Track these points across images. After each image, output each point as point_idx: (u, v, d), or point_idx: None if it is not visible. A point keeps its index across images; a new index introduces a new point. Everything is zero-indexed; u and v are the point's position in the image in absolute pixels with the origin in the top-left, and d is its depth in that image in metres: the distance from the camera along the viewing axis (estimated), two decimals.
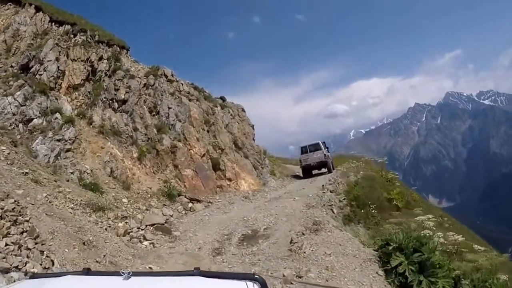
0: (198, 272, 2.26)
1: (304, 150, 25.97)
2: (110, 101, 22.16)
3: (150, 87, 23.15)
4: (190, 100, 23.58)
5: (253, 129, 27.24)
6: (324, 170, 25.97)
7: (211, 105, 24.77)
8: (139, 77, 23.33)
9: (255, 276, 2.14)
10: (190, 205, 16.37)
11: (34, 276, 2.80)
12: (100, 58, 24.34)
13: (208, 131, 22.51)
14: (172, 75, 24.60)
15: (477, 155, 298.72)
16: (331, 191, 16.74)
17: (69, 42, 24.15)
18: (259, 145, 26.28)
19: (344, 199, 15.76)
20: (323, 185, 18.88)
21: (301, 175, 26.91)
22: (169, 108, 22.22)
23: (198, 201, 16.93)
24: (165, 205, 16.02)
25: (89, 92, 23.80)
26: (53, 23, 25.02)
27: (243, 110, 27.52)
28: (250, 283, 2.08)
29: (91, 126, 19.50)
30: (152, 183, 17.94)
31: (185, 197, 16.90)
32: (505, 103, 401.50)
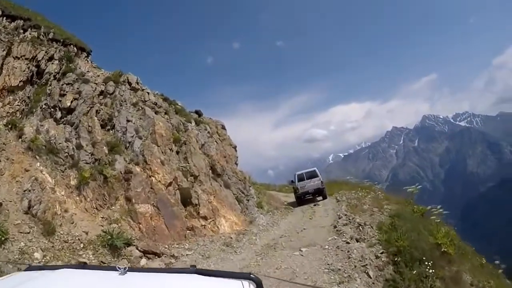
0: (194, 270, 2.25)
1: (301, 177, 24.98)
2: (52, 109, 17.25)
3: (108, 95, 18.21)
4: (156, 112, 18.42)
5: (236, 150, 21.93)
6: (317, 196, 25.07)
7: (183, 120, 19.50)
8: (95, 83, 18.32)
9: (251, 275, 2.12)
10: (142, 262, 10.90)
11: (30, 268, 2.73)
12: (51, 58, 19.61)
13: (177, 152, 17.20)
14: (137, 83, 19.53)
15: (455, 176, 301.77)
16: (357, 240, 11.44)
17: (16, 37, 19.60)
18: (242, 170, 20.90)
19: (382, 252, 10.46)
20: (335, 226, 13.83)
21: (288, 201, 26.42)
22: (128, 121, 17.11)
23: (156, 254, 11.43)
24: (104, 262, 10.59)
25: (28, 97, 18.92)
26: (5, 18, 20.64)
27: (223, 127, 22.18)
28: (246, 282, 2.05)
29: (20, 140, 14.64)
30: (91, 224, 12.51)
31: (137, 248, 11.41)
32: (481, 124, 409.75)
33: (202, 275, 2.17)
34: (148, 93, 19.54)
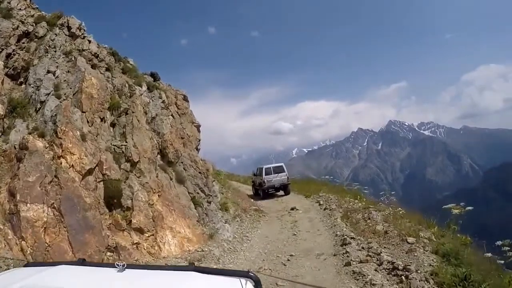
0: (192, 267, 2.22)
1: (268, 171, 25.35)
2: None
3: (35, 38, 12.73)
4: (94, 66, 12.88)
5: (199, 131, 16.28)
6: (281, 192, 25.71)
7: (130, 82, 13.88)
8: (21, 21, 12.73)
9: (250, 273, 2.09)
10: None
11: (28, 264, 2.72)
12: None
13: (113, 125, 11.66)
14: (79, 29, 13.93)
15: (414, 182, 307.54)
16: None
17: None
18: (205, 159, 15.29)
19: None
20: (348, 263, 8.65)
21: (253, 194, 26.79)
22: (48, 72, 11.52)
23: None
24: None
25: None
26: None
27: (185, 98, 16.32)
28: (244, 280, 2.02)
29: None
30: None
31: None
32: (444, 135, 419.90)
33: (201, 272, 2.13)
34: (89, 41, 13.92)
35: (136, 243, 9.13)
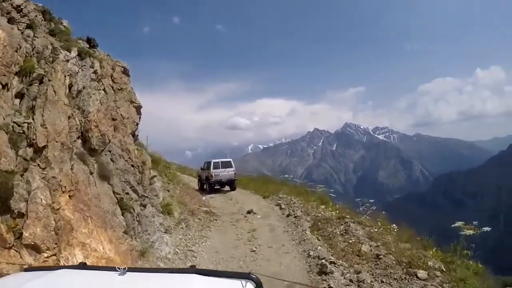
0: (193, 270, 2.20)
1: (216, 165, 25.56)
2: None
3: None
4: (11, 21, 9.83)
5: (139, 113, 12.94)
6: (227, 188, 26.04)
7: (56, 45, 10.76)
8: None
9: (251, 275, 2.07)
10: None
11: (28, 268, 2.67)
12: None
13: (21, 96, 8.56)
14: None
15: (366, 183, 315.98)
16: None
17: None
18: (142, 149, 12.22)
19: None
20: None
21: (198, 188, 26.31)
22: None
23: None
24: None
25: None
26: None
27: (125, 71, 13.08)
28: (244, 282, 2.01)
29: None
30: None
31: None
32: (397, 140, 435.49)
33: (202, 275, 2.10)
34: None
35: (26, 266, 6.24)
